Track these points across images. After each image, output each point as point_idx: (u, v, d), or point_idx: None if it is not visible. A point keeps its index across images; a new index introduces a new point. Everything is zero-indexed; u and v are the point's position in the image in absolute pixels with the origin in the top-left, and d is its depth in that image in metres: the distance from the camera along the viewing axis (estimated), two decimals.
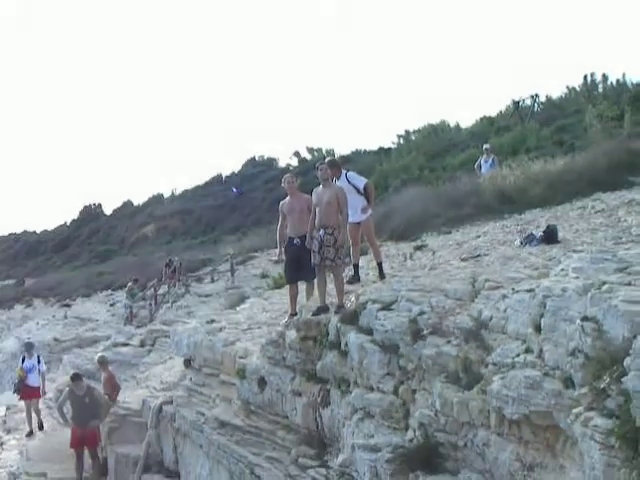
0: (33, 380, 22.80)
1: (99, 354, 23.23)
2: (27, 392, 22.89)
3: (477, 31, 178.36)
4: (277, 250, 16.20)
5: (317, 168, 14.55)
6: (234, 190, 56.91)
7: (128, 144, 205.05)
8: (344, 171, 15.78)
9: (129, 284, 37.79)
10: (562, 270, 11.45)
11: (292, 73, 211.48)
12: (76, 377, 19.63)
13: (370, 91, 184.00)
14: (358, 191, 15.51)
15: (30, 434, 22.43)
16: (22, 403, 24.33)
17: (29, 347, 23.93)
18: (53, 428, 22.85)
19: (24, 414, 23.74)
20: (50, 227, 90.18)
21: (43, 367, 23.80)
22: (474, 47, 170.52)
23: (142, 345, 27.14)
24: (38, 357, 23.42)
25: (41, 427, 23.26)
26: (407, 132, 54.33)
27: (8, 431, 24.68)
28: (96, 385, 20.40)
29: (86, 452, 19.12)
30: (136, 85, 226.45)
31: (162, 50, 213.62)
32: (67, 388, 19.84)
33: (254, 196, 62.42)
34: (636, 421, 8.15)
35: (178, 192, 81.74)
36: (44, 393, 23.54)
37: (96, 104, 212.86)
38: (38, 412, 23.06)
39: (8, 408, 26.26)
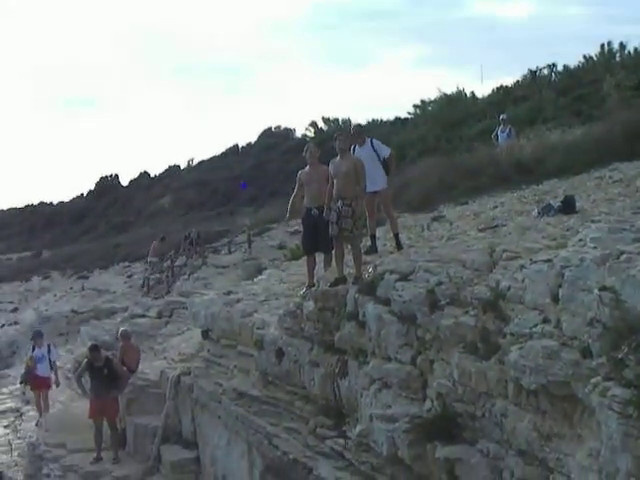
0: (43, 370, 22.39)
1: (121, 328, 23.20)
2: (36, 382, 22.56)
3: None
4: (288, 216, 16.37)
5: (335, 138, 14.54)
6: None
7: (144, 113, 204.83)
8: (368, 138, 15.87)
9: (155, 242, 37.91)
10: (580, 240, 11.45)
11: (307, 42, 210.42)
12: (94, 348, 19.73)
13: (384, 59, 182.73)
14: (379, 159, 15.57)
15: (37, 423, 22.15)
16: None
17: (38, 336, 23.53)
18: (72, 399, 22.98)
19: None
20: (67, 198, 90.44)
21: (55, 356, 23.47)
22: (488, 15, 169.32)
23: (159, 316, 27.29)
24: (49, 346, 23.05)
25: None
26: (423, 102, 53.99)
27: (27, 402, 24.87)
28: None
29: (105, 423, 19.26)
30: (151, 54, 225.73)
31: (174, 18, 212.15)
32: (85, 359, 19.97)
33: (270, 167, 62.45)
34: None
35: (194, 163, 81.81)
36: (57, 384, 23.12)
37: (111, 74, 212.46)
38: (47, 404, 22.72)
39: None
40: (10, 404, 25.08)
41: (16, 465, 20.84)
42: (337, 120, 62.66)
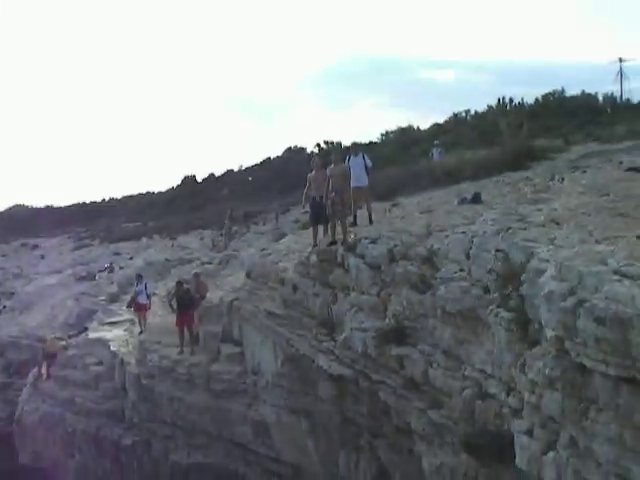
0: (142, 299, 22.25)
1: (194, 271, 23.28)
2: (137, 306, 22.55)
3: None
4: (303, 204, 16.44)
5: (332, 154, 15.78)
6: None
7: (211, 134, 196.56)
8: (361, 152, 15.92)
9: (228, 212, 37.04)
10: (484, 220, 11.47)
11: (311, 92, 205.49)
12: (179, 283, 19.98)
13: (359, 105, 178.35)
14: (365, 167, 15.62)
15: (140, 333, 21.99)
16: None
17: (139, 278, 23.49)
18: (165, 314, 22.93)
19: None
20: (163, 189, 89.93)
21: (151, 290, 23.36)
22: (428, 77, 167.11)
23: (220, 263, 27.13)
24: (145, 284, 22.81)
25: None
26: (387, 132, 53.81)
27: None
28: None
29: (185, 329, 19.35)
30: (220, 92, 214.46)
31: (241, 78, 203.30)
32: (174, 289, 20.14)
33: (290, 171, 62.26)
34: (527, 313, 8.24)
35: (243, 168, 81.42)
36: (149, 307, 22.71)
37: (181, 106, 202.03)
38: (145, 320, 22.32)
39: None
40: (127, 316, 25.00)
41: (130, 353, 20.97)
42: (333, 142, 62.13)
